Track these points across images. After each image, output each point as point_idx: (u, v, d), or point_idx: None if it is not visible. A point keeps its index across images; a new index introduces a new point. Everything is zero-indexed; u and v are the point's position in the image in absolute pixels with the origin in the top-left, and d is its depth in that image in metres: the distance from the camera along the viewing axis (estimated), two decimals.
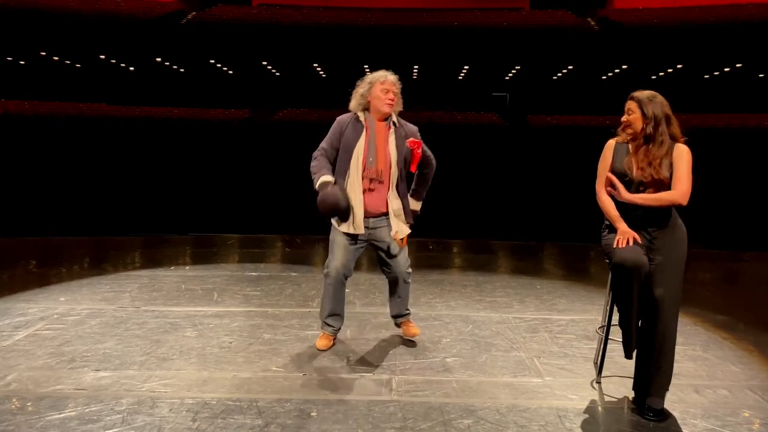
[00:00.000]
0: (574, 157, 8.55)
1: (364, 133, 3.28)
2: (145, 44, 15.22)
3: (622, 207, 2.71)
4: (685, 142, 2.71)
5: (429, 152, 3.40)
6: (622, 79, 16.08)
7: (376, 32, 15.61)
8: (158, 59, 15.87)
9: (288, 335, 3.71)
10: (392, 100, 3.28)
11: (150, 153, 9.79)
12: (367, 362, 3.30)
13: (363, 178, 3.25)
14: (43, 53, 15.33)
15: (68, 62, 16.29)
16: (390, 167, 3.29)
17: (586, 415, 2.72)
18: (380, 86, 3.28)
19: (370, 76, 3.34)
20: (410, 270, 3.53)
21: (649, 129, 2.67)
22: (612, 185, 2.70)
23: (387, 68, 3.41)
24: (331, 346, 3.51)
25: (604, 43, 15.44)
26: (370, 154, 3.25)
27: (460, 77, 17.50)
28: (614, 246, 2.64)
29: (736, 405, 2.86)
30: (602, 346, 3.08)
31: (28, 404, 2.69)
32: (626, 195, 2.65)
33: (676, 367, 2.79)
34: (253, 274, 5.36)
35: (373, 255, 3.59)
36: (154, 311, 4.14)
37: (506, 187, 9.44)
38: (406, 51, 14.96)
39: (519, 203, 9.09)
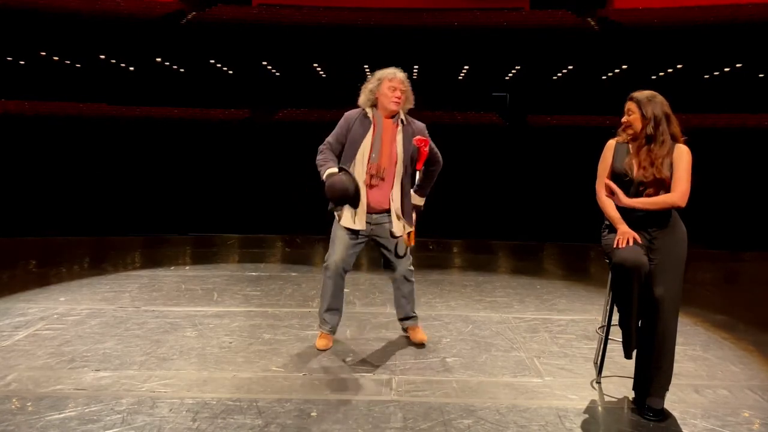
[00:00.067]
0: (574, 157, 8.55)
1: (371, 129, 3.29)
2: (145, 44, 15.21)
3: (623, 207, 2.71)
4: (685, 142, 2.72)
5: (436, 150, 3.41)
6: (622, 79, 16.07)
7: (376, 32, 15.60)
8: (158, 59, 15.87)
9: (288, 335, 3.71)
10: (399, 98, 3.28)
11: (150, 153, 9.79)
12: (367, 362, 3.30)
13: (367, 174, 3.26)
14: (43, 53, 15.32)
15: (68, 62, 16.28)
16: (395, 164, 3.29)
17: (586, 415, 2.72)
18: (388, 83, 3.28)
19: (379, 73, 3.34)
20: (412, 268, 3.53)
21: (650, 129, 2.67)
22: (611, 192, 2.70)
23: (387, 68, 3.41)
24: (331, 346, 3.51)
25: (604, 43, 15.44)
26: (374, 150, 3.26)
27: (460, 77, 17.50)
28: (614, 246, 2.64)
29: (736, 405, 2.86)
30: (602, 346, 3.08)
31: (28, 404, 2.69)
32: (626, 200, 2.65)
33: (676, 367, 2.79)
34: (253, 274, 5.36)
35: (374, 254, 3.59)
36: (154, 311, 4.14)
37: (506, 187, 9.44)
38: (406, 51, 14.94)
39: (519, 203, 9.09)
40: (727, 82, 16.04)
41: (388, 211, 3.33)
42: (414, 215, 3.47)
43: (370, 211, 3.31)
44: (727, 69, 15.34)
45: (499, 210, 8.87)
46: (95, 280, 5.04)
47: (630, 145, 2.75)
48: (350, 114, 3.39)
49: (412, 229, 3.44)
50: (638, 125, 2.70)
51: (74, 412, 2.62)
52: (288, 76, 17.54)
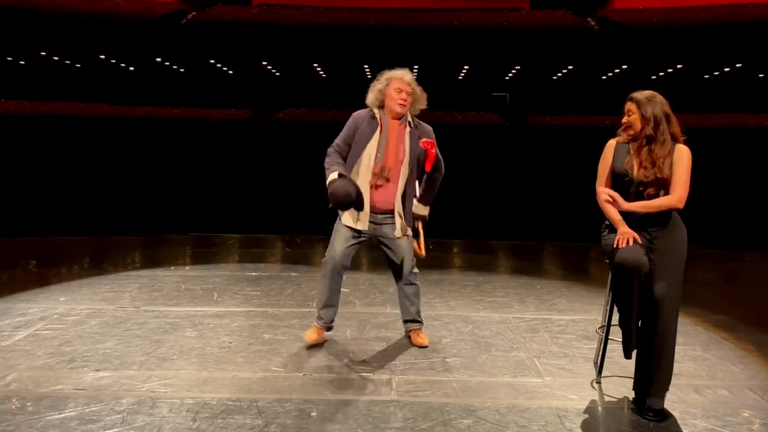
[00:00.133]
0: (574, 157, 8.54)
1: (378, 130, 3.29)
2: (145, 44, 15.20)
3: None
4: (685, 142, 2.72)
5: (440, 156, 3.39)
6: (622, 79, 16.07)
7: (376, 32, 15.60)
8: (158, 59, 15.86)
9: (288, 335, 3.71)
10: (404, 100, 3.28)
11: (150, 153, 9.78)
12: (367, 362, 3.30)
13: (372, 175, 3.26)
14: (43, 53, 15.32)
15: (68, 62, 16.27)
16: (400, 165, 3.29)
17: (586, 415, 2.72)
18: (395, 84, 3.28)
19: (388, 73, 3.34)
20: (417, 270, 3.53)
21: (650, 129, 2.67)
22: (611, 199, 2.70)
23: (387, 68, 3.41)
24: (322, 343, 3.51)
25: (604, 43, 15.43)
26: (379, 151, 3.26)
27: (460, 77, 17.50)
28: (614, 246, 2.64)
29: (736, 405, 2.86)
30: (602, 346, 3.08)
31: (28, 404, 2.69)
32: (625, 205, 2.66)
33: (676, 367, 2.79)
34: (253, 274, 5.36)
35: (374, 255, 3.60)
36: (154, 311, 4.14)
37: (506, 187, 9.44)
38: (406, 51, 14.93)
39: (519, 203, 9.09)
40: (727, 82, 16.03)
41: (393, 211, 3.33)
42: (420, 226, 3.48)
43: (375, 211, 3.32)
44: (727, 69, 15.34)
45: (499, 210, 8.87)
46: (95, 280, 5.04)
47: (630, 145, 2.76)
48: (358, 114, 3.39)
49: (417, 236, 3.45)
50: (638, 126, 2.70)
51: (74, 412, 2.62)
52: (288, 76, 17.53)
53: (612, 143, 2.82)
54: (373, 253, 3.52)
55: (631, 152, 2.74)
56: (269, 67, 16.73)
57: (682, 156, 2.66)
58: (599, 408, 2.83)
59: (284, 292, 4.75)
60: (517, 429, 2.56)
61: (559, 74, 16.74)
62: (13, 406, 2.67)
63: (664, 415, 2.70)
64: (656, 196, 2.66)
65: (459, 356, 3.41)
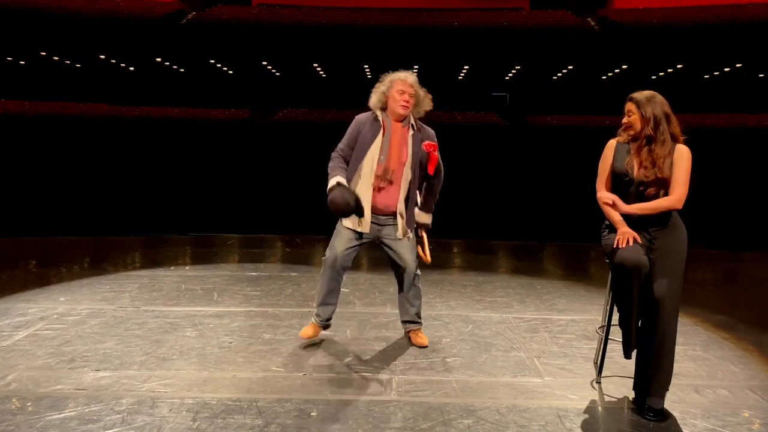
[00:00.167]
0: (574, 157, 8.55)
1: (381, 132, 3.29)
2: (145, 44, 15.20)
3: None
4: (685, 142, 2.72)
5: (440, 161, 3.38)
6: (622, 79, 16.07)
7: (376, 32, 15.60)
8: (158, 59, 15.86)
9: (288, 335, 3.71)
10: (407, 102, 3.27)
11: (150, 153, 9.78)
12: (367, 362, 3.30)
13: (375, 177, 3.26)
14: (43, 53, 15.32)
15: (68, 62, 16.27)
16: (403, 168, 3.29)
17: (586, 415, 2.72)
18: (398, 86, 3.27)
19: (392, 75, 3.33)
20: (419, 272, 3.52)
21: (650, 129, 2.67)
22: (611, 202, 2.71)
23: (387, 68, 3.41)
24: (320, 342, 3.52)
25: (604, 43, 15.43)
26: (382, 153, 3.26)
27: (460, 77, 17.50)
28: (614, 246, 2.64)
29: (736, 405, 2.86)
30: (602, 346, 3.08)
31: (28, 404, 2.69)
32: (625, 207, 2.67)
33: (676, 367, 2.79)
34: (253, 274, 5.36)
35: (374, 255, 3.60)
36: (154, 311, 4.15)
37: (506, 187, 9.44)
38: (406, 51, 14.93)
39: (519, 203, 9.09)
40: (727, 82, 16.04)
41: (395, 214, 3.33)
42: (424, 234, 3.48)
43: (377, 212, 3.31)
44: (727, 69, 15.34)
45: (499, 210, 8.87)
46: (95, 280, 5.04)
47: (630, 145, 2.76)
48: (360, 118, 3.39)
49: (421, 244, 3.46)
50: (638, 126, 2.70)
51: (74, 412, 2.62)
52: (288, 76, 17.53)
53: (612, 143, 2.82)
54: (373, 253, 3.52)
55: (632, 152, 2.74)
56: (269, 67, 16.73)
57: (682, 156, 2.66)
58: (599, 408, 2.83)
59: (284, 292, 4.75)
60: (517, 429, 2.56)
61: (559, 74, 16.74)
62: (13, 406, 2.67)
63: (664, 415, 2.70)
64: (656, 195, 2.66)
65: (459, 356, 3.42)
